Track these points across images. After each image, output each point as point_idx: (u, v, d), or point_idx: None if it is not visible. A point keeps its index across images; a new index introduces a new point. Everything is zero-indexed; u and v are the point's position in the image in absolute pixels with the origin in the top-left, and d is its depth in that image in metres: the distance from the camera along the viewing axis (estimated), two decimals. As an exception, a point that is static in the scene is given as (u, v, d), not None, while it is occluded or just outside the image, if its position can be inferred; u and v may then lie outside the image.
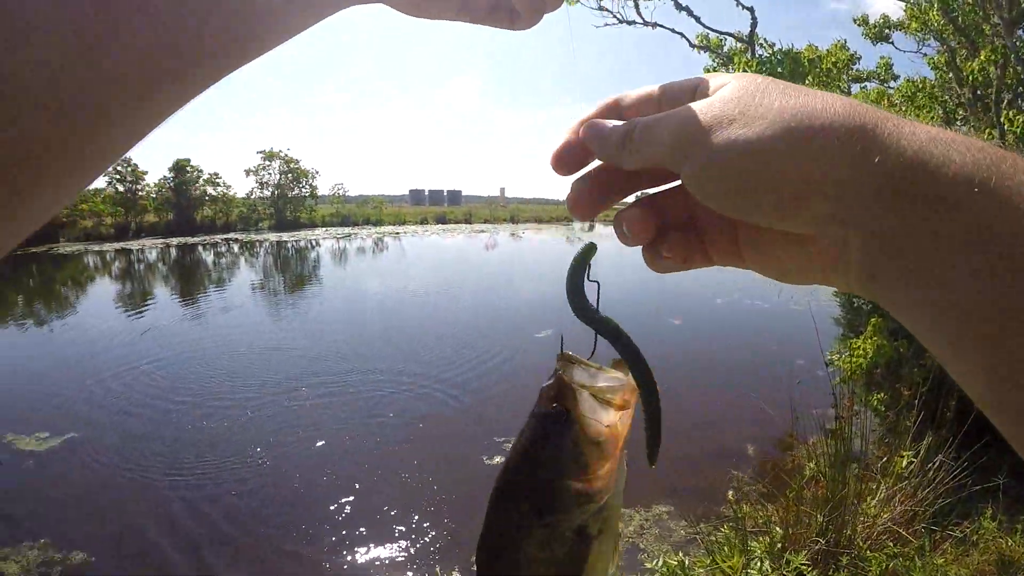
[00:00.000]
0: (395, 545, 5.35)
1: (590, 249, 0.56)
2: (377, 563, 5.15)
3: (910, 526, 3.96)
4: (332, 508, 5.94)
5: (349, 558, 5.22)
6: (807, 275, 0.47)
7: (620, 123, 0.50)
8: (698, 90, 0.48)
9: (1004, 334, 0.34)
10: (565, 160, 0.54)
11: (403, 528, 5.55)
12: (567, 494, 0.53)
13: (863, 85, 13.40)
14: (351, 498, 6.11)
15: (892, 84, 13.14)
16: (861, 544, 3.79)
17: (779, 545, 3.86)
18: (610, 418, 0.55)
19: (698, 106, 0.44)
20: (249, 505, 6.00)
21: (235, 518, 5.78)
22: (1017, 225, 0.34)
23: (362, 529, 5.60)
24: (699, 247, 0.54)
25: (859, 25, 12.87)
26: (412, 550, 5.27)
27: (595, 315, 0.58)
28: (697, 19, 14.62)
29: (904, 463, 4.37)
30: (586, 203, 0.55)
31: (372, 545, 5.36)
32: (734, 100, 0.43)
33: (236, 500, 6.07)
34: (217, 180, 49.14)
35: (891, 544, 3.81)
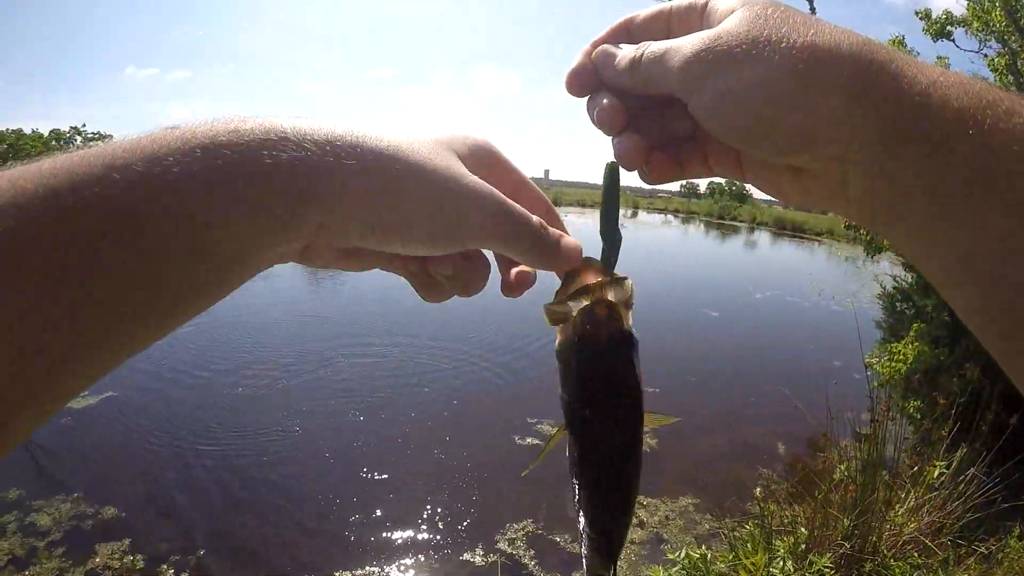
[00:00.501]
0: (422, 520, 5.43)
1: (615, 170, 0.56)
2: (403, 538, 5.23)
3: (936, 538, 3.94)
4: (362, 479, 6.06)
5: (376, 531, 5.31)
6: (805, 200, 0.50)
7: (630, 47, 0.51)
8: (707, 9, 0.48)
9: (998, 272, 0.38)
10: (579, 82, 0.55)
11: (432, 504, 5.63)
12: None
13: (921, 83, 13.19)
14: (381, 471, 6.22)
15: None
16: (886, 552, 3.79)
17: (803, 546, 3.87)
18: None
19: (708, 37, 0.45)
20: (279, 474, 6.14)
21: (263, 487, 5.92)
22: (1008, 166, 0.37)
23: (390, 503, 5.70)
24: (699, 157, 0.55)
25: (921, 19, 12.54)
26: (440, 526, 5.35)
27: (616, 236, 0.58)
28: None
29: (935, 473, 4.33)
30: (636, 154, 0.54)
31: (399, 519, 5.44)
32: (743, 34, 0.43)
33: (265, 468, 6.21)
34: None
35: (916, 554, 3.80)
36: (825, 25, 0.43)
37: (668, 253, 30.44)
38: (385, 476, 6.13)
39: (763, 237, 45.74)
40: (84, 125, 40.83)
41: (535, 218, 0.52)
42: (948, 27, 12.06)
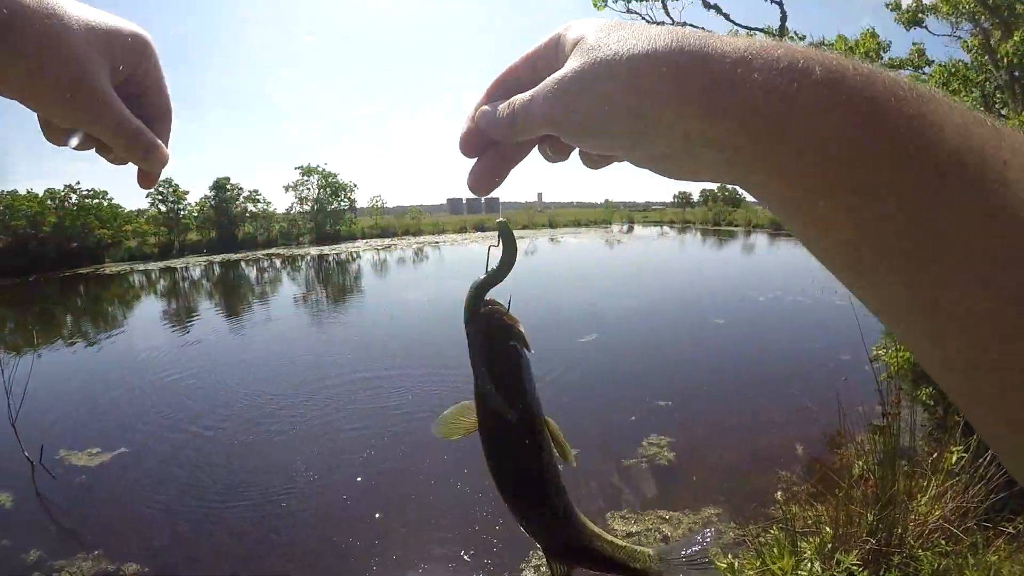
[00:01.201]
0: (447, 553, 5.38)
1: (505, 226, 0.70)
2: (430, 573, 5.20)
3: (962, 523, 3.90)
4: (383, 518, 6.02)
5: (402, 569, 5.27)
6: (681, 174, 0.54)
7: (505, 105, 0.58)
8: (559, 45, 0.56)
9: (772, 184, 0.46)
10: (470, 146, 0.63)
11: (456, 536, 5.58)
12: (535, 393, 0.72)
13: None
14: (403, 507, 6.18)
15: (926, 70, 12.91)
16: (912, 543, 3.75)
17: (829, 545, 3.83)
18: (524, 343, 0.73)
19: (554, 81, 0.53)
20: (298, 520, 6.09)
21: (283, 533, 5.88)
22: (805, 115, 0.41)
23: (414, 538, 5.66)
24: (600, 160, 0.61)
25: (892, 10, 12.67)
26: (466, 558, 5.30)
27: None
28: (726, 16, 14.53)
29: (954, 459, 4.30)
30: (485, 181, 0.64)
31: (425, 554, 5.40)
32: (583, 62, 0.51)
33: (284, 515, 6.16)
34: (257, 197, 50.06)
35: (943, 542, 3.76)
36: (642, 32, 0.50)
37: (667, 264, 30.51)
38: (407, 512, 6.09)
39: (760, 239, 45.80)
40: (78, 183, 41.33)
41: (135, 127, 0.67)
42: (919, 15, 12.20)
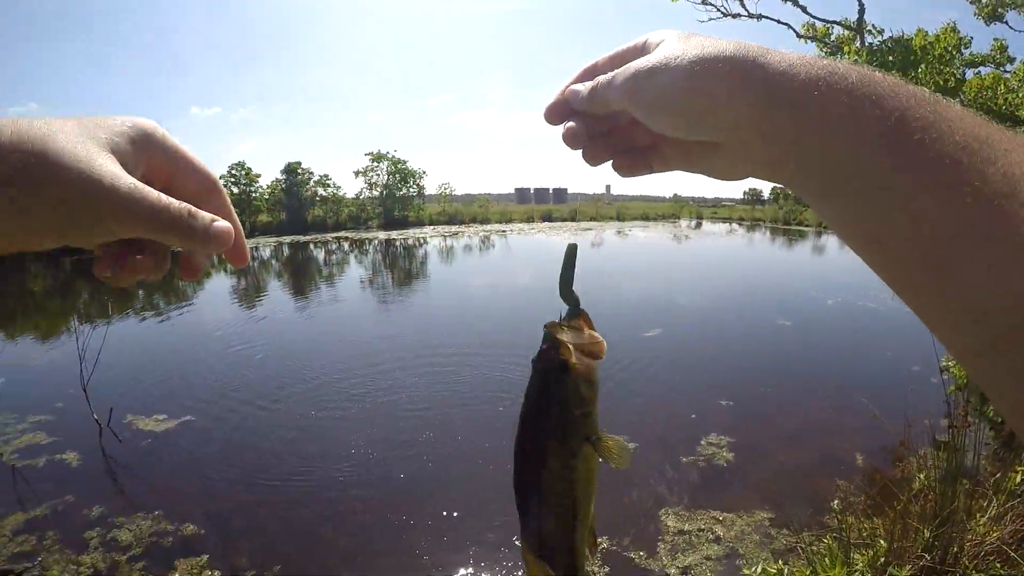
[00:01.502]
0: (495, 539, 5.48)
1: (574, 250, 0.77)
2: (478, 555, 5.30)
3: (1020, 547, 3.83)
4: (435, 499, 6.15)
5: (450, 549, 5.39)
6: (732, 171, 0.66)
7: (590, 82, 0.69)
8: (645, 47, 0.65)
9: (841, 190, 0.53)
10: (555, 113, 0.73)
11: (506, 522, 5.68)
12: (575, 417, 0.75)
13: (977, 71, 12.61)
14: (455, 491, 6.32)
15: (1008, 67, 12.37)
16: (967, 563, 3.71)
17: (882, 559, 3.82)
18: (592, 363, 0.76)
19: (637, 63, 0.63)
20: (354, 495, 6.31)
21: (340, 506, 6.10)
22: (839, 111, 0.51)
23: (465, 521, 5.78)
24: (644, 162, 0.73)
25: (972, 3, 12.16)
26: (516, 543, 5.40)
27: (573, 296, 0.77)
28: (803, 8, 14.14)
29: (1018, 479, 4.23)
30: (580, 136, 0.71)
31: (474, 537, 5.51)
32: (660, 55, 0.61)
33: (341, 489, 6.40)
34: (327, 181, 50.96)
35: (998, 565, 3.71)
36: (715, 40, 0.59)
37: (734, 262, 30.02)
38: (458, 495, 6.23)
39: (831, 241, 44.59)
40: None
41: (179, 208, 0.57)
42: (999, 9, 11.69)
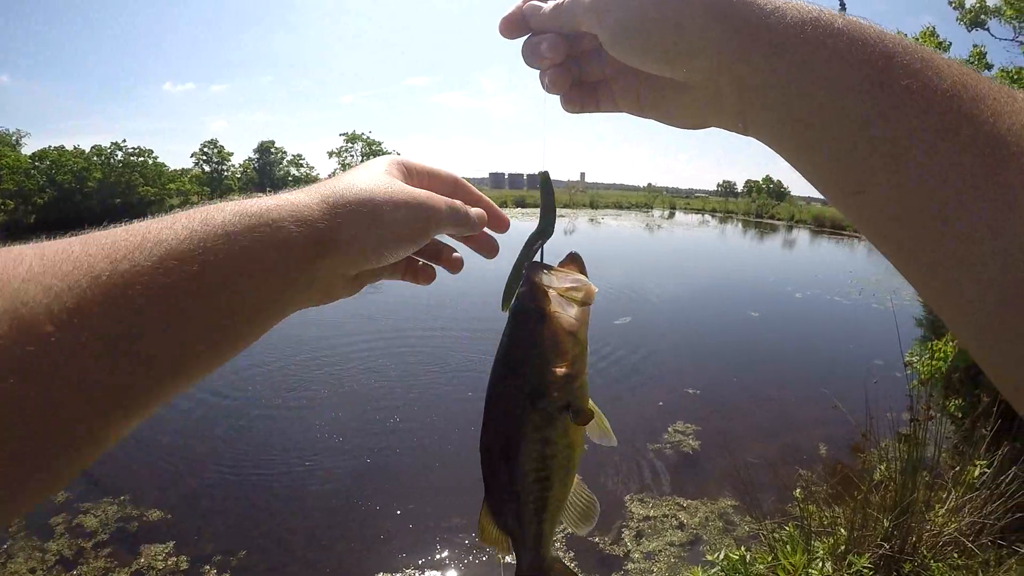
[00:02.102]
0: (462, 523, 5.49)
1: (547, 178, 0.76)
2: (443, 540, 5.30)
3: (977, 539, 3.91)
4: (401, 483, 6.17)
5: (416, 533, 5.40)
6: (693, 117, 0.62)
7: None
8: None
9: (820, 138, 0.50)
10: (510, 26, 0.67)
11: (471, 507, 5.67)
12: (553, 378, 0.66)
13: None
14: (421, 474, 6.32)
15: (986, 73, 12.56)
16: (925, 552, 3.77)
17: (842, 547, 3.87)
18: (576, 312, 0.68)
19: None
20: (320, 477, 6.29)
21: (305, 489, 6.08)
22: (826, 57, 0.48)
23: (430, 505, 5.77)
24: (592, 98, 0.69)
25: (955, 8, 12.29)
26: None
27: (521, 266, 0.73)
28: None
29: (976, 473, 4.30)
30: (559, 83, 0.68)
31: (438, 522, 5.51)
32: None
33: (307, 472, 6.36)
34: (300, 161, 50.40)
35: (955, 555, 3.78)
36: None
37: (706, 253, 30.24)
38: (424, 479, 6.23)
39: (802, 235, 45.16)
40: (124, 140, 41.90)
41: (450, 205, 0.70)
42: (982, 16, 11.83)
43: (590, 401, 0.71)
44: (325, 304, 0.72)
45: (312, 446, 6.87)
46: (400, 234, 0.64)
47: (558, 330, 0.67)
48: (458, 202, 0.72)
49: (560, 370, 0.66)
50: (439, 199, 0.69)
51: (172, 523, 5.45)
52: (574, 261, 0.71)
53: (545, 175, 0.76)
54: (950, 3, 11.85)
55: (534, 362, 0.67)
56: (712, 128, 0.63)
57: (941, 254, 0.44)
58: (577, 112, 0.69)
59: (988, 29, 10.47)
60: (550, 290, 0.68)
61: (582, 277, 0.70)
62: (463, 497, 5.70)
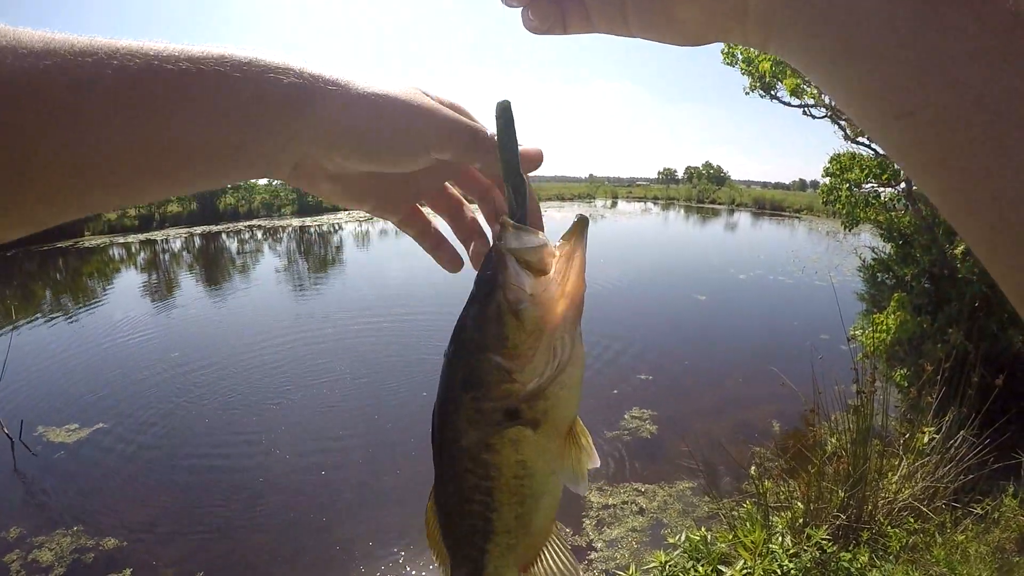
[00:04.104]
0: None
1: (508, 108, 0.56)
2: (406, 544, 5.23)
3: (931, 503, 3.98)
4: (359, 493, 6.06)
5: (376, 543, 5.31)
6: (696, 28, 0.50)
7: None
8: None
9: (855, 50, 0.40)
10: None
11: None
12: (488, 367, 0.54)
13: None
14: (379, 480, 6.23)
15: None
16: (882, 520, 3.83)
17: (800, 520, 3.91)
18: (531, 284, 0.54)
19: None
20: (276, 494, 6.13)
21: (260, 507, 5.91)
22: None
23: (390, 511, 5.70)
24: (557, 15, 0.55)
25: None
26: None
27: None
28: None
29: (926, 439, 4.38)
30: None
31: (402, 528, 5.44)
32: None
33: (262, 490, 6.19)
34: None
35: (912, 520, 3.84)
36: None
37: (650, 240, 30.57)
38: (383, 485, 6.13)
39: (743, 218, 45.98)
40: (56, 154, 40.49)
41: (459, 116, 0.57)
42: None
43: (577, 423, 0.60)
44: (303, 189, 0.62)
45: (265, 461, 6.70)
46: (393, 123, 0.53)
47: (501, 307, 0.54)
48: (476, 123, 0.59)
49: (497, 360, 0.53)
50: (448, 110, 0.57)
51: (129, 550, 5.25)
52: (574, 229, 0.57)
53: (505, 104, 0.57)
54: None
55: (467, 341, 0.55)
56: (704, 46, 0.53)
57: (997, 189, 0.36)
58: (543, 31, 0.56)
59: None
60: (509, 254, 0.54)
61: (543, 237, 0.55)
62: (423, 503, 5.62)
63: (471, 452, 0.56)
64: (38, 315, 14.48)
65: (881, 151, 8.29)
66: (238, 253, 27.88)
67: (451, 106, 0.59)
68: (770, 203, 53.27)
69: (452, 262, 0.69)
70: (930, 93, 0.38)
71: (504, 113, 0.55)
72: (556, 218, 44.32)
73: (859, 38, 0.40)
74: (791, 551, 3.45)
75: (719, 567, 3.43)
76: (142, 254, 27.42)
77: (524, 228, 0.55)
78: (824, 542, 3.51)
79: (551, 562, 0.62)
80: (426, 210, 0.68)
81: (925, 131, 0.39)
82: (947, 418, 4.44)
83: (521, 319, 0.53)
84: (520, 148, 0.57)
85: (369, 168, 0.55)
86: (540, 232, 0.56)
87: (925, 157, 0.40)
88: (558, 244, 0.56)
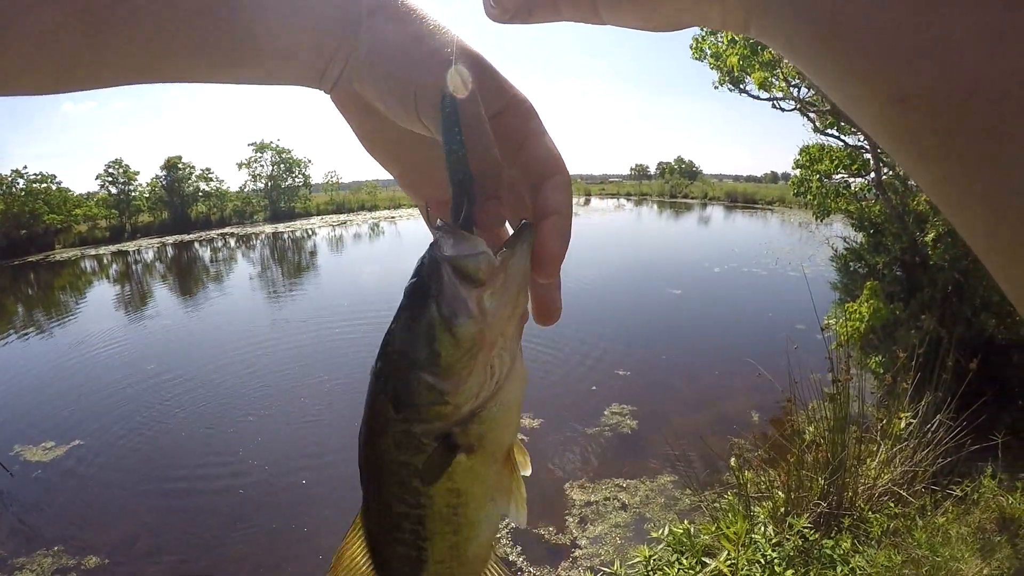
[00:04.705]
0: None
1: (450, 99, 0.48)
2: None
3: (910, 487, 4.01)
4: (341, 500, 6.00)
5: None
6: (675, 15, 0.45)
7: None
8: None
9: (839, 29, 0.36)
10: None
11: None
12: (418, 387, 0.48)
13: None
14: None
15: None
16: (863, 506, 3.85)
17: (782, 509, 3.92)
18: (468, 296, 0.47)
19: None
20: (255, 505, 6.06)
21: (241, 519, 5.84)
22: None
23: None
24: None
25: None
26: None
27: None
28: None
29: (903, 424, 4.42)
30: None
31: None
32: None
33: (242, 502, 6.12)
34: (210, 175, 48.62)
35: (892, 505, 3.87)
36: None
37: (624, 237, 30.67)
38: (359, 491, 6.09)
39: (716, 212, 46.30)
40: (25, 167, 39.84)
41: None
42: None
43: (516, 448, 0.54)
44: (342, 114, 0.56)
45: (245, 471, 6.62)
46: (404, 78, 0.49)
47: (433, 321, 0.47)
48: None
49: (428, 379, 0.47)
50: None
51: (111, 568, 5.19)
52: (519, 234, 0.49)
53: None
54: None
55: (394, 356, 0.49)
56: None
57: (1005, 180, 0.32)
58: (506, 20, 0.50)
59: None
60: (444, 262, 0.47)
61: (481, 243, 0.47)
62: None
63: (399, 477, 0.50)
64: (11, 331, 14.26)
65: (850, 143, 8.42)
66: (211, 261, 27.58)
67: (483, 72, 0.53)
68: (742, 196, 53.71)
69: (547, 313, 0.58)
70: (924, 77, 0.34)
71: (449, 104, 0.48)
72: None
73: (847, 16, 0.36)
74: (774, 540, 3.45)
75: (703, 559, 3.43)
76: (114, 266, 27.06)
77: (462, 234, 0.48)
78: (806, 530, 3.53)
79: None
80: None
81: (918, 118, 0.35)
82: (923, 403, 4.48)
83: (456, 335, 0.47)
84: (546, 250, 0.49)
85: (379, 106, 0.52)
86: (480, 239, 0.48)
87: (918, 146, 0.36)
88: (500, 252, 0.49)
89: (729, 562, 3.28)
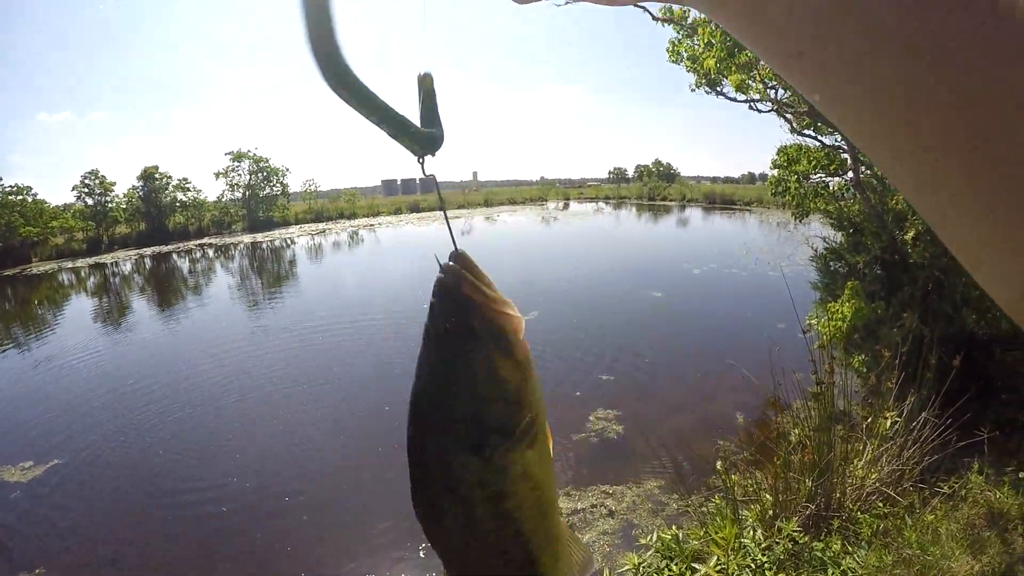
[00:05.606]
0: (400, 531, 5.33)
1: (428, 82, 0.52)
2: (383, 549, 5.14)
3: (898, 486, 4.00)
4: (328, 510, 5.93)
5: (354, 555, 5.21)
6: None
7: None
8: None
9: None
10: None
11: (406, 514, 5.53)
12: (493, 420, 0.49)
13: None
14: (347, 497, 6.10)
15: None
16: (851, 506, 3.83)
17: (770, 512, 3.89)
18: (503, 319, 0.49)
19: None
20: (240, 519, 5.95)
21: (227, 529, 5.75)
22: None
23: (359, 524, 5.59)
24: None
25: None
26: (418, 535, 5.26)
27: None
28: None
29: (888, 424, 4.41)
30: None
31: (375, 537, 5.35)
32: None
33: (223, 514, 6.01)
34: (187, 185, 48.20)
35: (881, 504, 3.86)
36: None
37: (603, 240, 30.70)
38: (351, 500, 6.01)
39: (694, 213, 46.50)
40: (0, 178, 39.23)
41: None
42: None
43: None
44: None
45: (228, 484, 6.52)
46: None
47: (488, 351, 0.48)
48: None
49: (500, 408, 0.49)
50: None
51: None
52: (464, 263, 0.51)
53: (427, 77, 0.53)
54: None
55: (456, 400, 0.49)
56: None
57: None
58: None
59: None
60: (485, 303, 0.48)
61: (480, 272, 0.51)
62: (389, 519, 5.54)
63: (491, 509, 0.50)
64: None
65: (827, 143, 8.46)
66: (190, 272, 27.30)
67: None
68: (720, 197, 54.03)
69: None
70: (826, 31, 0.34)
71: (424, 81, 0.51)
72: (508, 222, 44.47)
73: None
74: (763, 544, 3.43)
75: (693, 564, 3.40)
76: (92, 278, 26.74)
77: (460, 258, 0.50)
78: (796, 533, 3.50)
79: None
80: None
81: (815, 70, 0.36)
82: (908, 401, 4.48)
83: (512, 354, 0.48)
84: None
85: None
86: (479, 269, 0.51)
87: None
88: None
89: (719, 567, 3.25)
